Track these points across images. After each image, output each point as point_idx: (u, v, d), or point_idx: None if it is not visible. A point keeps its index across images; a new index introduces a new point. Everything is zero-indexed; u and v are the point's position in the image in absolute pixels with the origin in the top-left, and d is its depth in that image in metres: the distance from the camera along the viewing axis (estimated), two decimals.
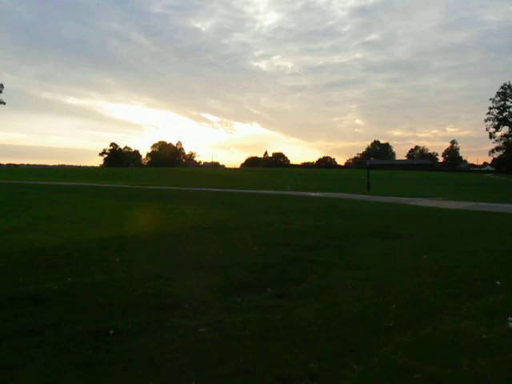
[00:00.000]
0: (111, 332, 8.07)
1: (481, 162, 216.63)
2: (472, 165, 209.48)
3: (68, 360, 6.88)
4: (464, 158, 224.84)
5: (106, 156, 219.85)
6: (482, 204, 37.66)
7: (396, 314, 9.14)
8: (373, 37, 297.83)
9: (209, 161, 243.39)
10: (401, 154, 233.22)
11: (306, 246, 16.40)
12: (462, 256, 14.71)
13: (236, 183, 76.78)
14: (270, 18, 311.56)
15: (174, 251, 15.50)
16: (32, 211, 27.49)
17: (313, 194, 47.45)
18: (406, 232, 20.71)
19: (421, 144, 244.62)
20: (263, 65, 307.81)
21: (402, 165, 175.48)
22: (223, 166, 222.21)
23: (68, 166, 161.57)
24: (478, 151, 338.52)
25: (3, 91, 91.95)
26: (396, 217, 28.31)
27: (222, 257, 14.55)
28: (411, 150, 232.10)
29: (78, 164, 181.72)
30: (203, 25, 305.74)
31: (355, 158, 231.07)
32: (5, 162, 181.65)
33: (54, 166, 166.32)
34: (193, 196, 45.63)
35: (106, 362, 6.84)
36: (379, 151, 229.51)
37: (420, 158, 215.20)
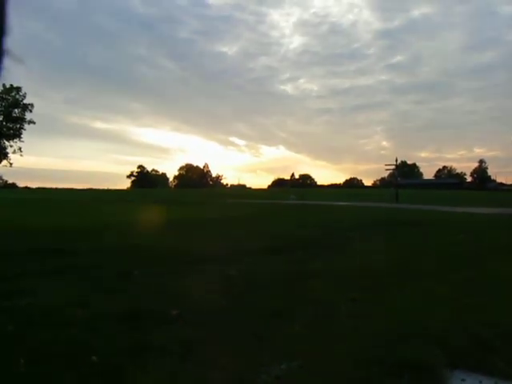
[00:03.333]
0: (136, 272, 8.02)
1: (510, 181, 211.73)
2: (501, 183, 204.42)
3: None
4: (493, 177, 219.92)
5: (133, 178, 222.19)
6: None
7: (437, 264, 8.82)
8: (398, 58, 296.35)
9: (235, 183, 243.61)
10: (428, 174, 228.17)
11: (341, 229, 16.18)
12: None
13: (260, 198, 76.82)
14: (295, 42, 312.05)
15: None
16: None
17: (341, 203, 47.01)
18: (438, 224, 20.23)
19: (448, 164, 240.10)
20: (289, 88, 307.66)
21: (429, 184, 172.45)
22: (250, 188, 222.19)
23: (96, 189, 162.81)
24: (507, 171, 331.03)
25: (33, 111, 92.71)
26: (429, 217, 27.67)
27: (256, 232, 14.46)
28: (439, 170, 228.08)
29: (106, 187, 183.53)
30: (229, 49, 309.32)
31: (382, 178, 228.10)
32: (34, 185, 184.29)
33: (83, 189, 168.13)
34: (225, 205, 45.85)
35: (128, 290, 6.79)
36: (406, 172, 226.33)
37: (448, 177, 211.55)
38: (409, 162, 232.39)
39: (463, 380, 3.83)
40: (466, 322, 5.02)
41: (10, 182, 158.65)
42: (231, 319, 5.12)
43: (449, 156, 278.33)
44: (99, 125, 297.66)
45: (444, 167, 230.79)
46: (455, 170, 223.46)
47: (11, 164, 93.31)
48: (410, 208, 35.75)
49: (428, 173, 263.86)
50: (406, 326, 4.89)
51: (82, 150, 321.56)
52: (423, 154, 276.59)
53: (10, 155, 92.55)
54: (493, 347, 4.34)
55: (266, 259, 9.64)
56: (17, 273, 7.89)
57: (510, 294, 6.45)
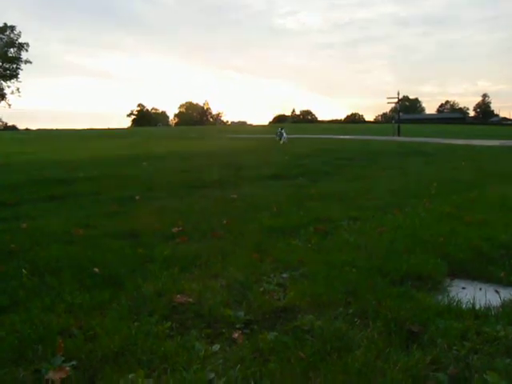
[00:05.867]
0: (137, 197, 8.05)
1: None
2: (505, 118, 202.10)
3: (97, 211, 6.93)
4: (496, 112, 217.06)
5: (133, 117, 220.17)
6: None
7: (438, 188, 8.77)
8: None
9: (236, 120, 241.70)
10: (431, 109, 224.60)
11: (342, 158, 16.17)
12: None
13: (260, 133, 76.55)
14: None
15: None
16: None
17: (342, 136, 46.70)
18: (439, 153, 20.17)
19: (451, 99, 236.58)
20: (289, 22, 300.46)
21: (431, 119, 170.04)
22: (250, 124, 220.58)
23: (96, 129, 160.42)
24: (511, 106, 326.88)
25: (30, 51, 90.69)
26: (430, 148, 27.57)
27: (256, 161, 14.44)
28: (441, 105, 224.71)
29: (107, 127, 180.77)
30: None
31: (384, 113, 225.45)
32: (35, 127, 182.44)
33: (83, 129, 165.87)
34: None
35: (129, 212, 6.85)
36: (408, 107, 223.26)
37: (450, 112, 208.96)
38: (411, 97, 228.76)
39: (464, 288, 3.86)
40: (468, 236, 5.01)
41: (9, 124, 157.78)
42: (233, 235, 5.13)
43: (452, 90, 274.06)
44: (97, 63, 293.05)
45: (447, 102, 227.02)
46: (458, 104, 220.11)
47: (10, 105, 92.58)
48: (412, 141, 35.54)
49: (430, 108, 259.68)
50: (408, 240, 4.88)
51: (81, 90, 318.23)
52: (426, 89, 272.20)
53: (9, 96, 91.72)
54: (493, 258, 4.35)
55: (266, 184, 9.67)
56: (16, 201, 7.91)
57: (508, 212, 6.45)
